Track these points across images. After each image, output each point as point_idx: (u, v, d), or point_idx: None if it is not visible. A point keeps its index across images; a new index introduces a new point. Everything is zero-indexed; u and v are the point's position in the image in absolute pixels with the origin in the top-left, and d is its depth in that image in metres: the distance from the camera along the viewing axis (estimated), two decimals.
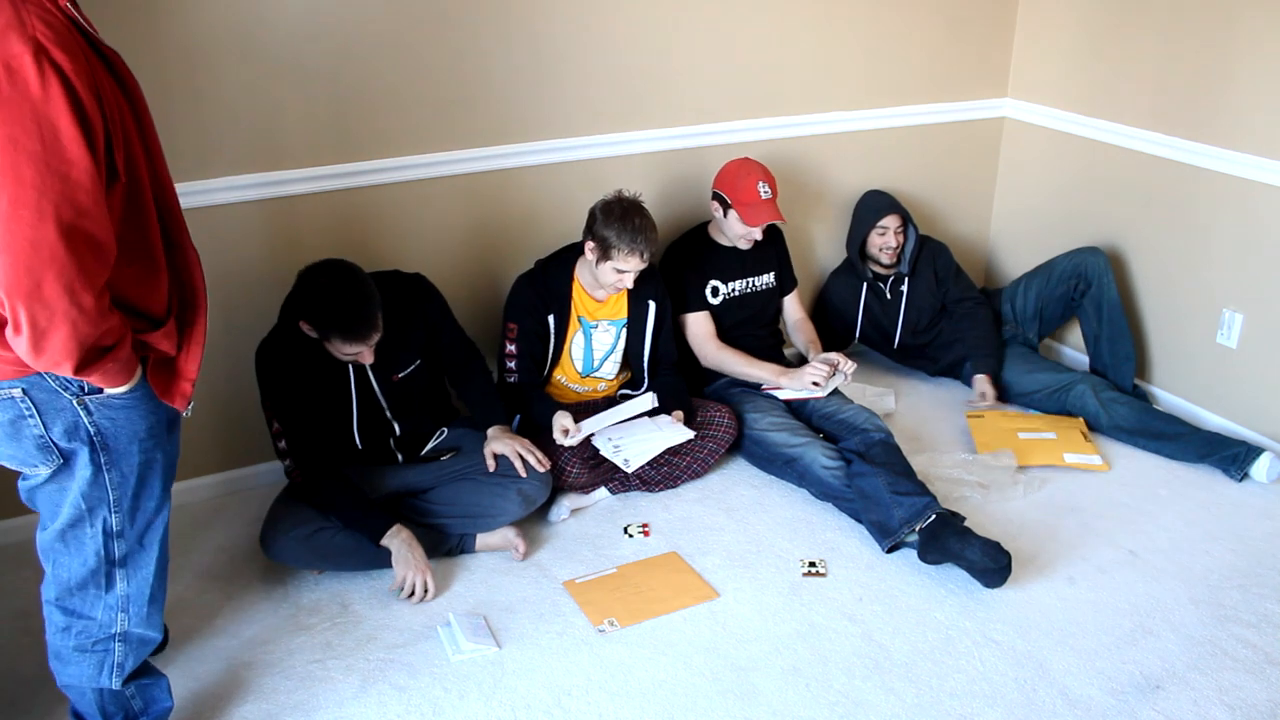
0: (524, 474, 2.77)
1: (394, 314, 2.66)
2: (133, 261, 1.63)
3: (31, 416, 1.67)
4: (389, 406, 2.75)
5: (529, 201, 3.23)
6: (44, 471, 1.74)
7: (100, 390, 1.68)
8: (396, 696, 2.32)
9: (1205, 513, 2.98)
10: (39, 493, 1.79)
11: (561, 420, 2.90)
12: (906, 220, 3.60)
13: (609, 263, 2.88)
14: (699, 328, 3.28)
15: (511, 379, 3.03)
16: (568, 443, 2.88)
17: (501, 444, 2.79)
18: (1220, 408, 3.41)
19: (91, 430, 1.71)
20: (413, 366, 2.77)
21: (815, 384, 3.16)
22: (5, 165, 1.41)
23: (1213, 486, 3.11)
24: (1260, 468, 3.10)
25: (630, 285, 2.94)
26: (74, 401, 1.68)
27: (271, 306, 2.93)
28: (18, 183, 1.42)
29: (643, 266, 2.91)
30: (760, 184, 3.16)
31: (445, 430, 2.92)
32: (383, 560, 2.65)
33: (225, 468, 3.10)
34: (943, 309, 3.71)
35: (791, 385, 3.20)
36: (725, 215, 3.20)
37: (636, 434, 2.96)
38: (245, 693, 2.33)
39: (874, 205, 3.62)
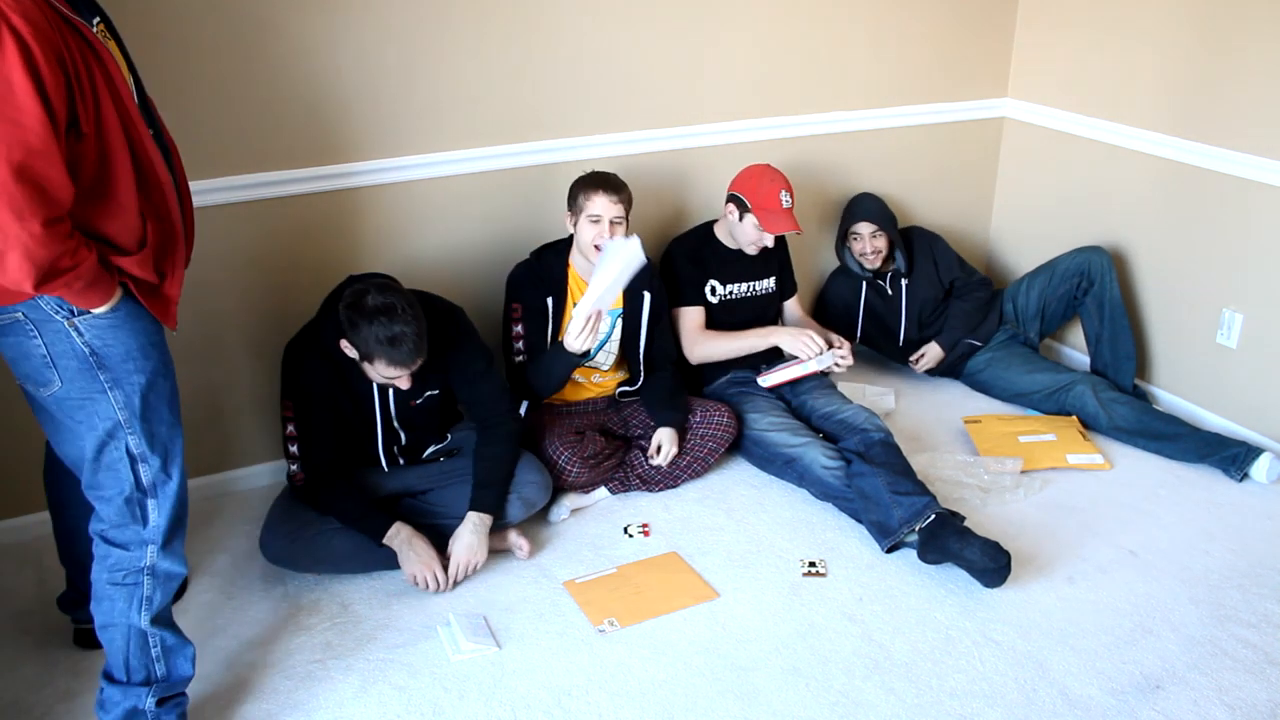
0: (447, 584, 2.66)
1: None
2: (103, 201, 1.82)
3: (35, 337, 1.86)
4: (399, 420, 2.75)
5: (529, 201, 3.23)
6: (53, 389, 1.90)
7: (87, 312, 1.84)
8: (396, 696, 2.32)
9: (1205, 513, 2.98)
10: (62, 414, 1.93)
11: (576, 321, 2.84)
12: (885, 228, 3.58)
13: (583, 214, 2.91)
14: (689, 321, 3.27)
15: (519, 358, 3.01)
16: (584, 317, 2.82)
17: (460, 546, 2.65)
18: (1220, 408, 3.41)
19: (86, 350, 1.88)
20: (430, 395, 2.75)
21: (809, 349, 3.15)
22: None
23: (1213, 486, 3.11)
24: (1260, 468, 3.10)
25: (608, 234, 2.89)
26: (65, 323, 1.85)
27: (268, 307, 2.94)
28: None
29: (615, 210, 2.89)
30: (783, 193, 3.16)
31: (450, 435, 2.91)
32: (380, 563, 2.65)
33: (225, 468, 3.10)
34: (948, 297, 3.72)
35: (784, 343, 3.19)
36: (741, 219, 3.20)
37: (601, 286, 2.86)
38: (245, 693, 2.33)
39: (850, 211, 3.63)
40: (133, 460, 1.96)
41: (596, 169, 2.99)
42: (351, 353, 2.53)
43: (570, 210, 2.96)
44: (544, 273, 3.02)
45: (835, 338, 3.25)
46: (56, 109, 1.66)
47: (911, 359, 3.70)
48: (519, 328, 3.01)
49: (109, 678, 2.11)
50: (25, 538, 2.85)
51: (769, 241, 3.21)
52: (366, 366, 2.54)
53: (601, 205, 2.88)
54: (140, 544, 2.02)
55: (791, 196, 3.18)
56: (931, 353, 3.67)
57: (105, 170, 1.80)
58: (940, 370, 3.73)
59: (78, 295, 1.80)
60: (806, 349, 3.15)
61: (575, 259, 3.04)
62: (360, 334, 2.46)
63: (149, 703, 2.09)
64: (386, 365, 2.48)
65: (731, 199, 3.22)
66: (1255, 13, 3.07)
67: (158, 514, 2.01)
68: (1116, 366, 3.55)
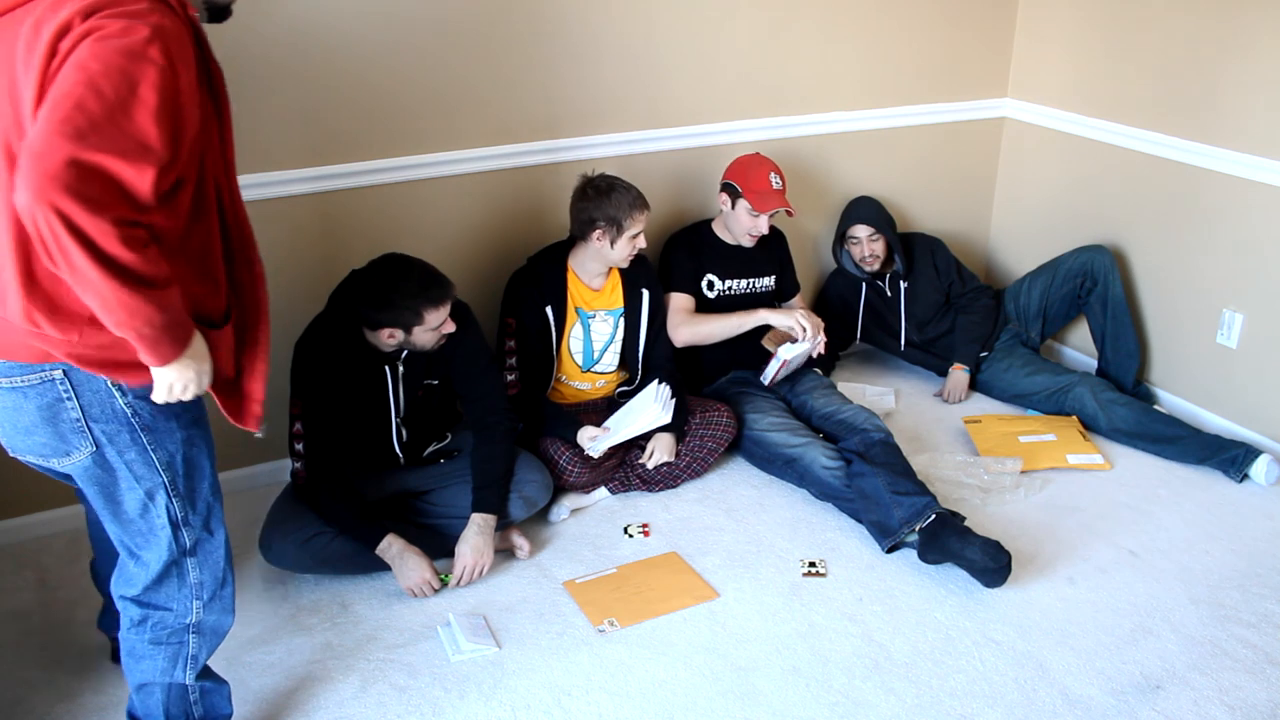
0: (461, 582, 2.68)
1: None
2: (192, 263, 1.69)
3: (70, 399, 1.70)
4: (403, 416, 2.75)
5: (529, 201, 3.23)
6: (78, 457, 1.75)
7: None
8: (396, 696, 2.32)
9: (1205, 513, 2.98)
10: (89, 481, 1.80)
11: (588, 431, 2.94)
12: (882, 231, 3.56)
13: (624, 235, 2.91)
14: (676, 304, 3.25)
15: (510, 376, 2.99)
16: (594, 450, 2.92)
17: (467, 548, 2.66)
18: (1220, 408, 3.41)
19: (128, 411, 1.74)
20: (431, 385, 2.76)
21: (799, 327, 3.17)
22: (72, 89, 1.47)
23: (1213, 487, 3.11)
24: (1259, 470, 3.10)
25: (644, 244, 2.97)
26: (108, 383, 1.71)
27: (273, 305, 2.93)
28: (76, 105, 1.46)
29: (644, 224, 2.95)
30: (772, 174, 3.18)
31: (449, 435, 2.92)
32: (380, 565, 2.65)
33: (225, 468, 3.08)
34: (948, 303, 3.71)
35: (773, 319, 3.20)
36: (734, 207, 3.20)
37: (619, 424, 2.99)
38: (246, 693, 2.33)
39: (847, 215, 3.62)
40: (174, 525, 1.85)
41: (593, 180, 2.94)
42: (395, 339, 2.55)
43: (604, 224, 2.89)
44: (542, 282, 3.01)
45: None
46: (172, 140, 1.55)
47: (938, 395, 3.66)
48: (511, 343, 2.99)
49: None
50: (25, 537, 2.85)
51: (764, 228, 3.21)
52: (419, 332, 2.55)
53: (644, 220, 2.93)
54: (184, 600, 1.91)
55: (782, 179, 3.20)
56: (957, 383, 3.62)
57: (199, 224, 1.67)
58: (940, 369, 3.73)
59: (158, 332, 1.58)
60: (797, 326, 3.16)
61: (577, 265, 3.03)
62: (395, 310, 2.49)
63: None
64: (435, 310, 2.53)
65: (724, 188, 3.23)
66: (1255, 13, 3.07)
67: (199, 570, 1.91)
68: (1118, 364, 3.56)
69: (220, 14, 1.76)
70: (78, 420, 1.71)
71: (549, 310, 3.00)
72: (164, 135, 1.53)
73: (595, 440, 2.93)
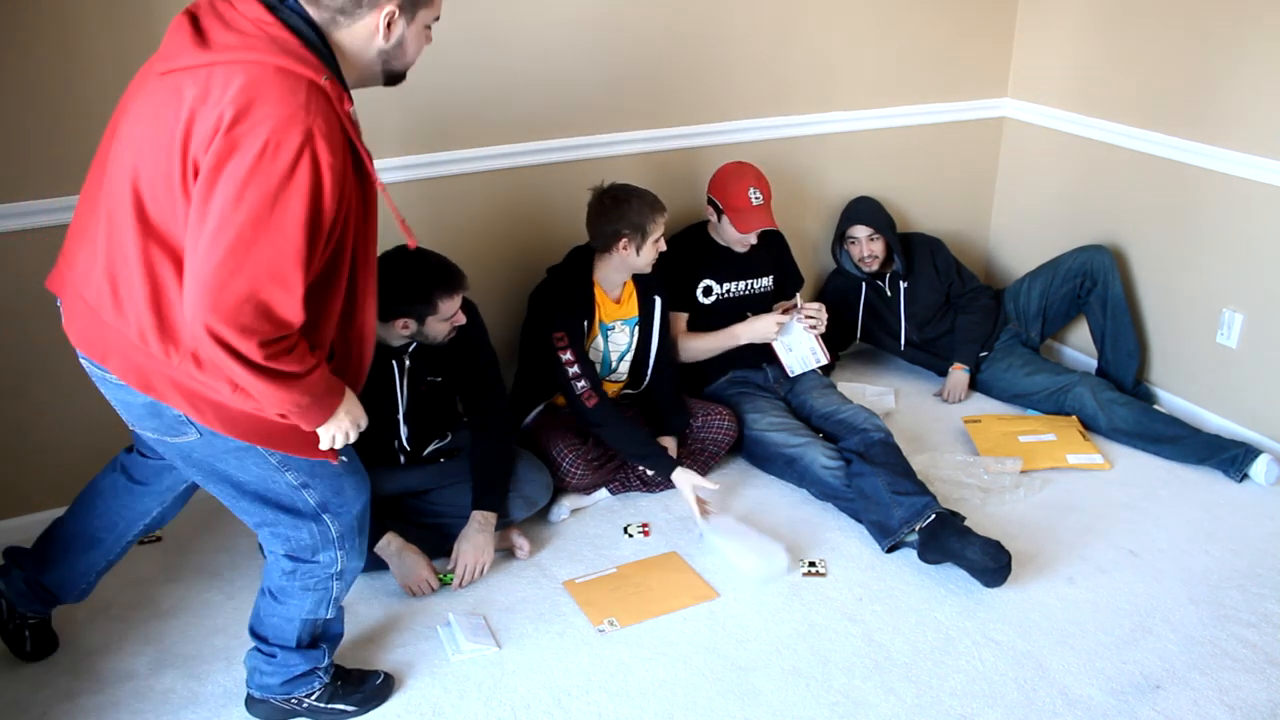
0: (458, 585, 2.67)
1: None
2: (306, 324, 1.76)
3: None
4: (404, 413, 2.76)
5: (532, 201, 3.23)
6: (190, 437, 1.85)
7: None
8: (396, 696, 2.32)
9: (1205, 513, 2.98)
10: (200, 464, 1.90)
11: (701, 491, 2.89)
12: (881, 232, 3.56)
13: (649, 240, 2.90)
14: (674, 324, 3.27)
15: (591, 403, 2.88)
16: (707, 530, 2.83)
17: (468, 546, 2.66)
18: (1220, 408, 3.41)
19: None
20: (434, 382, 2.77)
21: (769, 333, 3.18)
22: (233, 215, 1.58)
23: (1212, 487, 3.11)
24: (1259, 470, 3.10)
25: (664, 247, 2.97)
26: None
27: None
28: (237, 237, 1.58)
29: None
30: (751, 190, 3.15)
31: (450, 434, 2.91)
32: (380, 564, 2.65)
33: None
34: (948, 303, 3.71)
35: (745, 336, 3.20)
36: (719, 220, 3.21)
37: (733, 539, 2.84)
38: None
39: (846, 215, 3.62)
40: (294, 489, 1.95)
41: (613, 184, 2.93)
42: (408, 330, 2.56)
43: (628, 233, 2.86)
44: (571, 296, 2.96)
45: (796, 307, 3.25)
46: (318, 243, 1.65)
47: (938, 395, 3.65)
48: (568, 354, 2.89)
49: (271, 644, 2.15)
50: (25, 538, 2.84)
51: (752, 240, 3.22)
52: (432, 322, 2.56)
53: (663, 225, 2.92)
54: (328, 552, 2.04)
55: (763, 191, 3.17)
56: (956, 383, 3.62)
57: (322, 293, 1.75)
58: (940, 369, 3.72)
59: (304, 410, 1.76)
60: (768, 333, 3.17)
61: (601, 276, 2.99)
62: (411, 298, 2.51)
63: (326, 660, 2.21)
64: (449, 298, 2.54)
65: (709, 201, 3.23)
66: (1255, 12, 3.07)
67: (335, 522, 2.02)
68: (1118, 364, 3.56)
69: (396, 79, 1.86)
70: (179, 415, 1.81)
71: (585, 324, 2.98)
72: (312, 242, 1.64)
73: (710, 524, 2.83)
